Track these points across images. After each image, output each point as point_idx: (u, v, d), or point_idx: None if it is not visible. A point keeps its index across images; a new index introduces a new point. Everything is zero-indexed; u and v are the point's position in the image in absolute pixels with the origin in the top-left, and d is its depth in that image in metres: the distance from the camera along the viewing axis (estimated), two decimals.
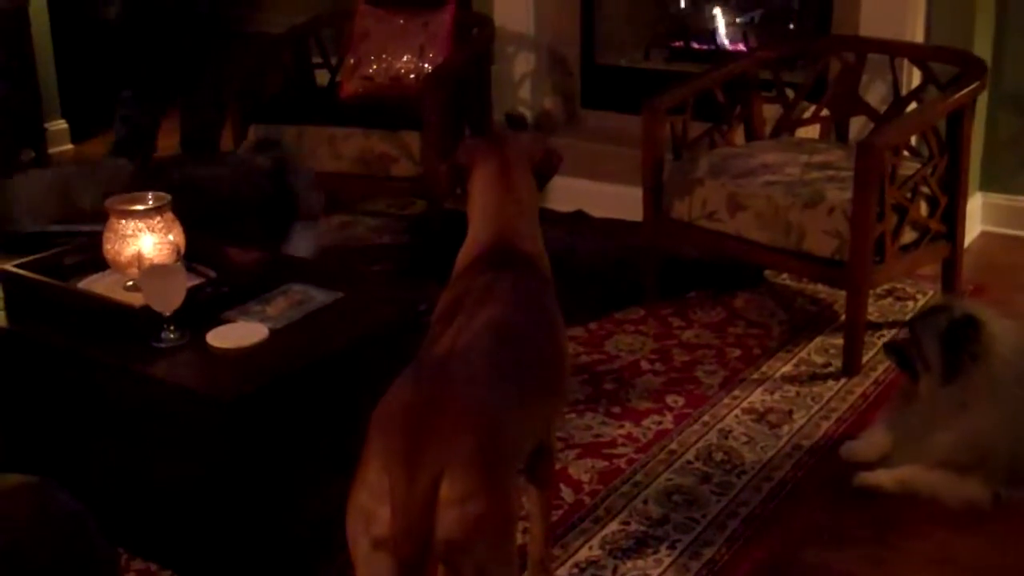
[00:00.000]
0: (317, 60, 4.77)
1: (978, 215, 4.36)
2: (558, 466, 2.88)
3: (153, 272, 2.43)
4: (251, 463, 2.31)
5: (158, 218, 2.63)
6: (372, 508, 1.67)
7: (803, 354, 3.47)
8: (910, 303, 3.78)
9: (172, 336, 2.43)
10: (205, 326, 2.47)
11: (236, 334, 2.45)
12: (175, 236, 2.64)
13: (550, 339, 2.10)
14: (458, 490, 1.65)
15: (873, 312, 3.67)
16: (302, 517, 2.42)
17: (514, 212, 2.23)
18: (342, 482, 2.46)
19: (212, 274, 2.73)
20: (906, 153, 3.57)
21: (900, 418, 2.88)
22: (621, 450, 2.97)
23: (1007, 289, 3.94)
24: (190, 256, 2.70)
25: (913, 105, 3.72)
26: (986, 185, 4.36)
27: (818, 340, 3.55)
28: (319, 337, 2.47)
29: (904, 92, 3.83)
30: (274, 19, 6.99)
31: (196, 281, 2.66)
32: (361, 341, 2.50)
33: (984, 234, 4.38)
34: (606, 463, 2.92)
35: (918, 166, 3.40)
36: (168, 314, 2.42)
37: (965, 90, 3.41)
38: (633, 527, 2.66)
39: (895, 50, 3.82)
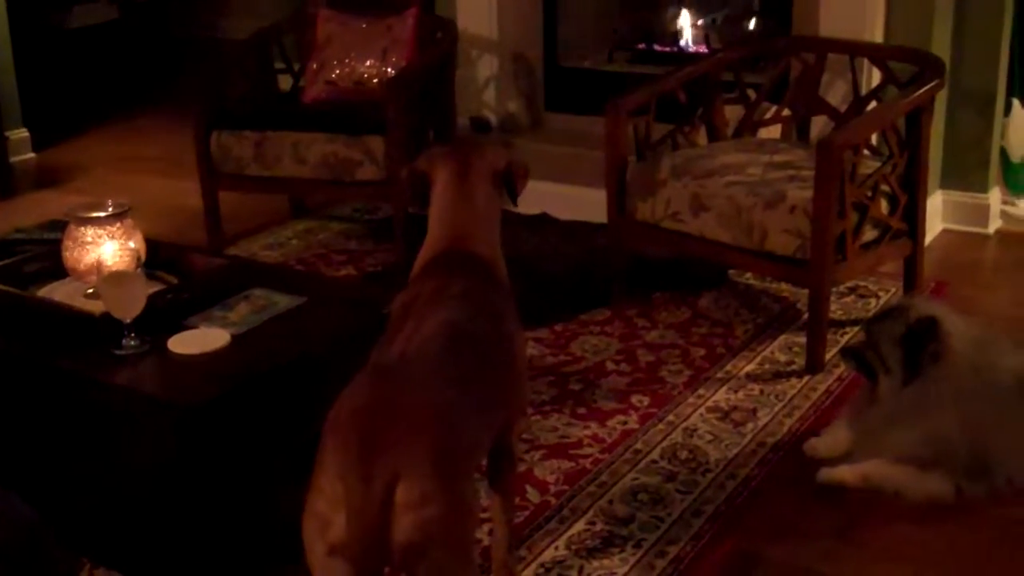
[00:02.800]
0: (280, 66, 4.75)
1: (939, 213, 4.40)
2: (524, 468, 2.89)
3: (113, 279, 2.42)
4: (214, 469, 2.30)
5: (118, 225, 2.62)
6: (327, 514, 1.67)
7: (767, 352, 3.49)
8: (872, 300, 3.82)
9: (133, 343, 2.42)
10: (167, 333, 2.46)
11: (197, 340, 2.44)
12: (135, 243, 2.63)
13: (503, 343, 2.09)
14: (413, 494, 1.63)
15: (836, 310, 3.70)
16: (266, 523, 2.42)
17: (470, 218, 2.23)
18: (306, 487, 2.48)
19: (174, 280, 2.73)
20: (867, 152, 3.59)
21: (862, 415, 2.91)
22: (587, 450, 2.98)
23: (968, 286, 3.98)
24: (151, 263, 2.70)
25: (873, 104, 3.75)
26: (947, 183, 4.40)
27: (781, 338, 3.57)
28: (281, 342, 2.47)
29: (864, 91, 3.86)
30: (236, 25, 7.00)
31: (157, 288, 2.65)
32: (323, 345, 2.50)
33: (945, 231, 4.42)
34: (572, 464, 2.92)
35: (878, 164, 3.43)
36: (128, 321, 2.41)
37: (924, 89, 3.44)
38: (599, 527, 2.67)
39: (855, 50, 3.85)
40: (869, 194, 3.35)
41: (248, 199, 4.69)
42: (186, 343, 2.43)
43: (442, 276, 2.12)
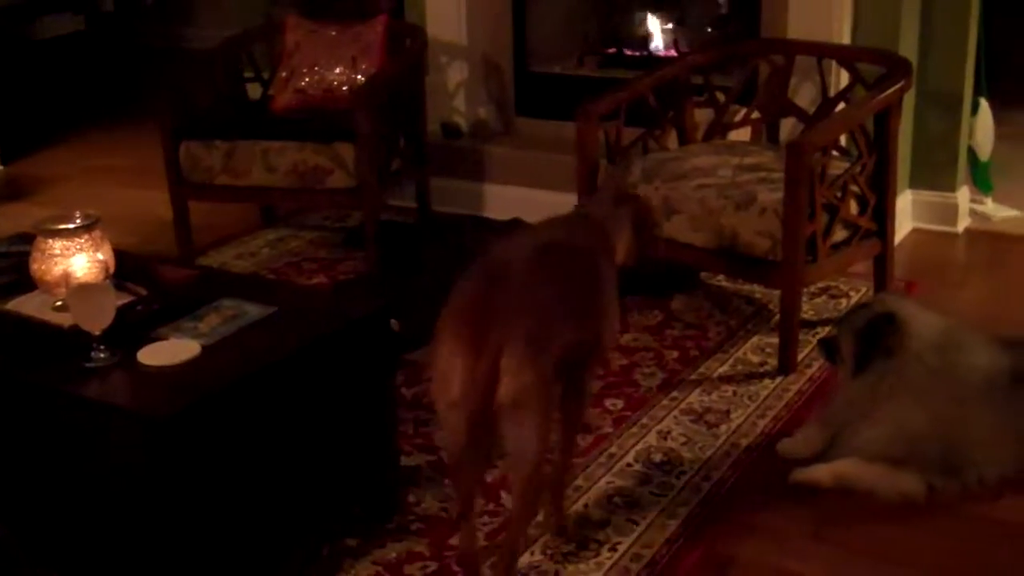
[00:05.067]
0: (249, 74, 4.74)
1: (908, 212, 4.43)
2: (498, 474, 2.89)
3: (81, 291, 2.40)
4: (186, 481, 2.28)
5: (86, 237, 2.59)
6: (448, 380, 2.19)
7: (739, 354, 3.50)
8: (843, 301, 3.83)
9: (102, 356, 2.40)
10: (136, 344, 2.44)
11: (167, 351, 2.42)
12: (104, 255, 2.61)
13: (595, 278, 2.47)
14: (512, 365, 2.14)
15: (808, 310, 3.72)
16: (239, 535, 2.40)
17: (614, 222, 2.64)
18: (279, 498, 2.47)
19: (143, 292, 2.70)
20: (836, 153, 3.62)
21: (833, 414, 2.92)
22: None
23: (938, 284, 4.00)
24: (120, 274, 2.68)
25: (841, 105, 3.77)
26: (916, 183, 4.43)
27: (754, 339, 3.58)
28: (252, 352, 2.45)
29: (832, 93, 3.88)
30: (204, 34, 6.98)
31: (126, 299, 2.63)
32: (294, 355, 2.48)
33: (915, 231, 4.45)
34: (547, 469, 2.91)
35: (847, 165, 3.45)
36: (97, 333, 2.39)
37: (891, 89, 3.46)
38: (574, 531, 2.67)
39: (822, 52, 3.87)
40: (839, 195, 3.36)
41: (218, 208, 4.67)
42: (156, 355, 2.41)
43: (558, 220, 2.60)
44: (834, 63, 3.95)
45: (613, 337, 2.63)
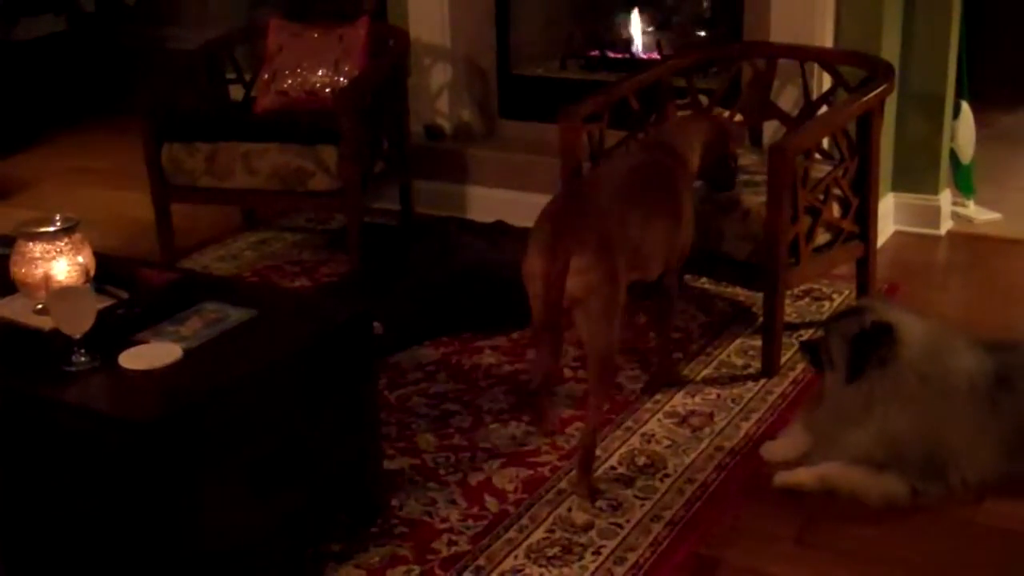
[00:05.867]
0: (231, 76, 4.72)
1: (891, 215, 4.44)
2: (482, 476, 2.89)
3: (62, 294, 2.38)
4: (170, 486, 2.26)
5: (66, 240, 2.58)
6: (533, 273, 2.69)
7: (723, 356, 3.50)
8: (826, 303, 3.84)
9: (83, 359, 2.38)
10: (118, 348, 2.43)
11: (149, 355, 2.41)
12: (84, 258, 2.59)
13: (671, 194, 3.02)
14: (581, 266, 2.63)
15: (791, 313, 3.72)
16: (222, 540, 2.39)
17: (682, 140, 3.18)
18: (262, 502, 2.45)
19: (124, 295, 2.69)
20: (818, 156, 3.62)
21: (817, 417, 2.92)
22: (545, 458, 2.98)
23: (920, 287, 4.01)
24: (101, 278, 2.66)
25: (823, 109, 3.78)
26: (898, 185, 4.44)
27: (738, 342, 3.58)
28: (234, 356, 2.44)
29: (815, 96, 3.89)
30: (187, 35, 6.94)
31: (107, 303, 2.61)
32: (277, 358, 2.47)
33: (897, 233, 4.46)
34: (530, 471, 2.92)
35: (830, 168, 3.45)
36: (78, 337, 2.37)
37: (873, 93, 3.46)
38: (558, 534, 2.66)
39: (805, 55, 3.88)
40: (821, 198, 3.37)
41: (200, 210, 4.65)
42: (138, 358, 2.39)
43: (641, 147, 3.27)
44: (816, 66, 3.96)
45: (687, 244, 3.12)
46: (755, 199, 3.32)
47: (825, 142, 3.72)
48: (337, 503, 2.69)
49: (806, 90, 3.87)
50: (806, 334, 3.59)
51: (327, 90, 4.39)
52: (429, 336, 3.69)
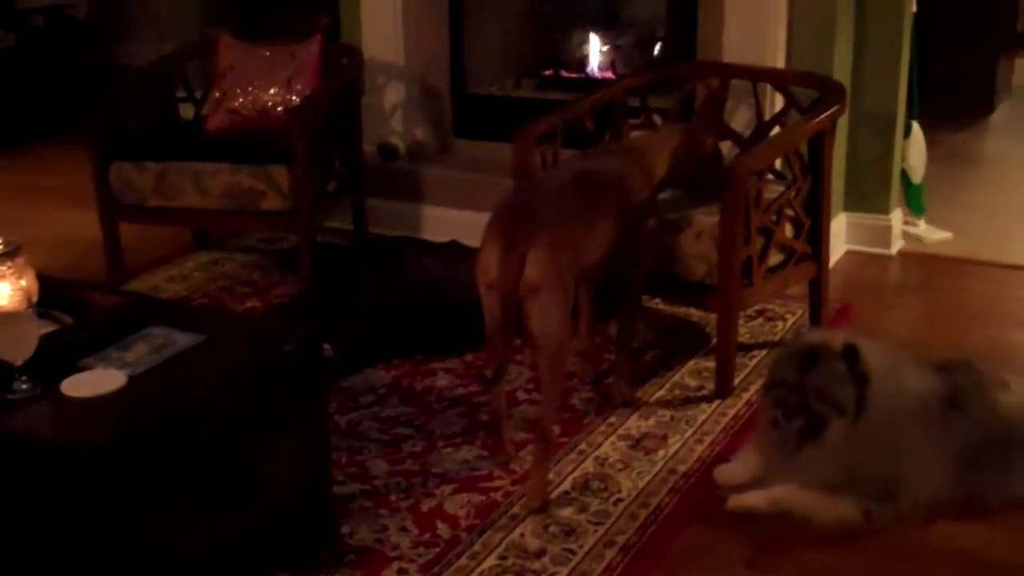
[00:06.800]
0: (182, 94, 4.66)
1: (843, 235, 4.46)
2: (434, 503, 2.86)
3: (2, 320, 2.33)
4: (112, 517, 2.21)
5: (8, 264, 2.51)
6: (487, 267, 2.77)
7: (677, 378, 3.49)
8: (779, 323, 3.84)
9: (24, 387, 2.33)
10: (61, 375, 2.37)
11: (92, 382, 2.35)
12: (27, 282, 2.53)
13: (624, 198, 3.10)
14: (536, 258, 2.72)
15: (744, 334, 3.72)
16: (169, 569, 2.34)
17: (648, 146, 3.33)
18: (209, 531, 2.41)
19: (68, 320, 2.64)
20: (771, 176, 3.63)
21: (769, 440, 2.91)
22: (497, 483, 2.95)
23: (871, 307, 4.03)
24: (46, 302, 2.60)
25: (776, 129, 3.79)
26: (850, 205, 4.47)
27: (691, 363, 3.58)
28: (180, 382, 2.39)
29: (767, 117, 3.90)
30: (143, 51, 6.87)
31: (51, 328, 2.56)
32: (224, 384, 2.43)
33: (849, 253, 4.48)
34: (482, 497, 2.89)
35: (782, 189, 3.46)
36: (19, 364, 2.32)
37: (825, 114, 3.47)
38: (511, 561, 2.63)
39: (757, 75, 3.88)
40: (774, 219, 3.37)
41: (151, 230, 4.57)
42: (80, 386, 2.34)
43: (602, 151, 3.37)
44: (769, 87, 3.97)
45: (646, 253, 3.24)
46: (708, 219, 3.32)
47: (777, 163, 3.74)
48: (286, 530, 2.64)
49: (758, 110, 3.88)
50: (759, 355, 3.60)
51: (279, 108, 4.35)
52: (381, 358, 3.66)
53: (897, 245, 4.52)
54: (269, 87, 4.41)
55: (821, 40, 4.09)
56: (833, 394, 2.74)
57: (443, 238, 4.49)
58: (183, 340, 2.55)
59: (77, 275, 4.37)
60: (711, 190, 3.32)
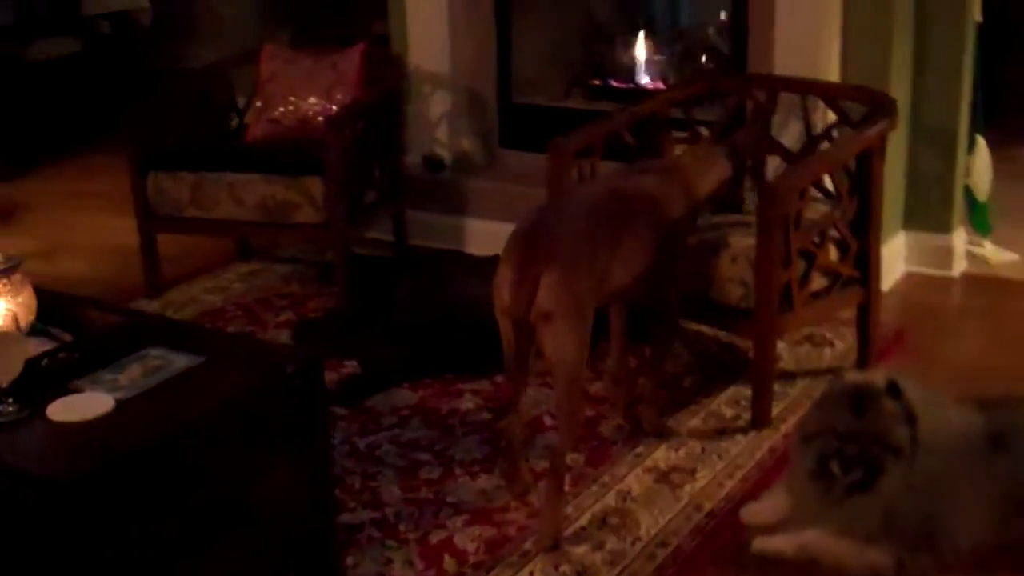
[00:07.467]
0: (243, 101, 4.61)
1: (902, 255, 4.25)
2: (444, 534, 2.74)
3: None
4: (93, 547, 2.13)
5: (4, 281, 2.45)
6: (502, 290, 2.65)
7: (713, 406, 3.33)
8: (827, 350, 3.66)
9: (11, 410, 2.26)
10: (51, 396, 2.30)
11: (79, 406, 2.27)
12: (24, 299, 2.46)
13: (657, 219, 2.93)
14: (549, 282, 2.58)
15: (788, 360, 3.56)
16: None
17: (696, 169, 3.14)
18: (201, 564, 2.31)
19: (67, 337, 2.57)
20: (819, 194, 3.45)
21: (806, 488, 2.71)
22: (512, 515, 2.82)
23: (929, 333, 3.82)
24: (47, 318, 2.54)
25: (825, 145, 3.61)
26: (910, 224, 4.26)
27: (730, 391, 3.41)
28: (170, 408, 2.30)
29: (818, 131, 3.72)
30: (208, 56, 6.86)
31: (47, 346, 2.49)
32: (218, 409, 2.34)
33: (909, 275, 4.27)
34: (495, 530, 2.76)
35: (828, 209, 3.28)
36: (5, 386, 2.25)
37: (873, 130, 3.29)
38: None
39: (806, 88, 3.70)
40: (817, 240, 3.20)
41: (194, 240, 4.54)
42: (67, 410, 2.26)
43: (641, 169, 3.17)
44: (822, 100, 3.78)
45: (678, 277, 3.08)
46: (745, 241, 3.16)
47: (828, 181, 3.55)
48: (285, 562, 2.54)
49: (807, 125, 3.70)
50: (803, 383, 3.42)
51: (320, 118, 4.26)
52: (410, 377, 3.55)
53: (960, 267, 4.29)
54: (309, 96, 4.34)
55: (877, 51, 3.90)
56: (890, 437, 2.55)
57: (487, 252, 4.36)
58: (180, 362, 2.47)
59: (115, 283, 4.37)
60: (733, 206, 3.26)
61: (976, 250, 4.40)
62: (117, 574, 2.17)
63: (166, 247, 4.37)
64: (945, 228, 4.24)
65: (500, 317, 2.71)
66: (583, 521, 2.79)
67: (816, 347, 3.67)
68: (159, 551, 2.25)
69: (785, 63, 3.93)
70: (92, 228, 4.98)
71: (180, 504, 2.27)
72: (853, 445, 2.58)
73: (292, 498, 2.50)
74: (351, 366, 3.61)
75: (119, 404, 2.29)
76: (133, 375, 2.41)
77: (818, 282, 3.25)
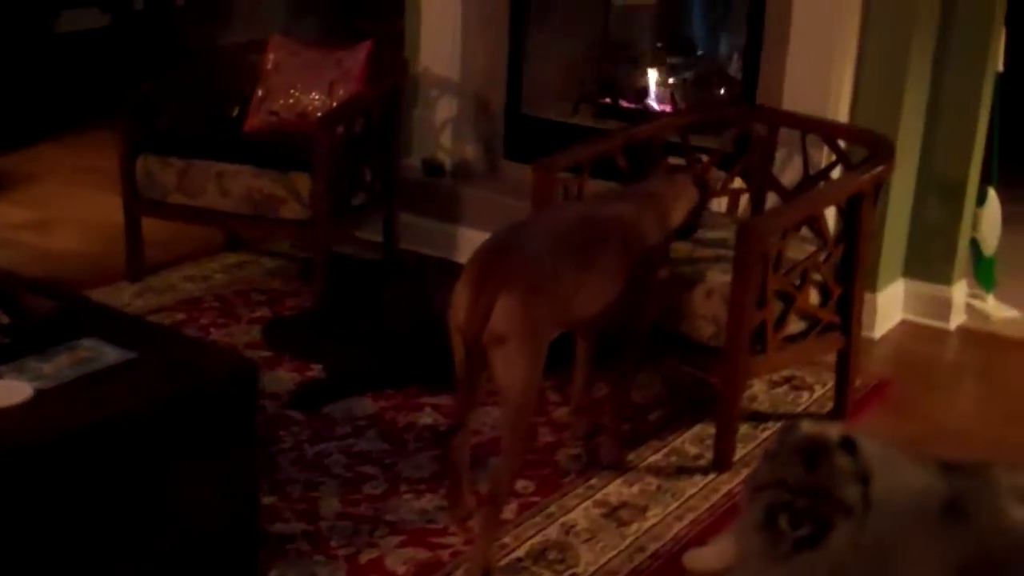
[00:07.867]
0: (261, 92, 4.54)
1: (899, 302, 4.13)
2: (375, 554, 2.66)
3: None
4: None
5: None
6: (458, 309, 2.57)
7: (676, 443, 3.23)
8: (805, 394, 3.55)
9: None
10: None
11: None
12: None
13: (624, 246, 2.84)
14: (505, 306, 2.50)
15: (763, 401, 3.46)
16: None
17: (671, 196, 3.07)
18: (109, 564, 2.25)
19: (5, 320, 2.51)
20: (809, 235, 3.34)
21: (752, 541, 2.61)
22: (449, 539, 2.74)
23: (916, 386, 3.70)
24: None
25: (823, 184, 3.50)
26: (910, 272, 4.13)
27: (697, 428, 3.31)
28: (87, 402, 2.24)
29: (817, 170, 3.61)
30: (238, 35, 6.82)
31: None
32: (137, 408, 2.27)
33: (905, 323, 4.15)
34: (429, 553, 2.68)
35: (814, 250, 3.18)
36: None
37: (865, 175, 3.18)
38: None
39: (806, 125, 3.60)
40: (796, 283, 3.09)
41: (184, 225, 4.48)
42: None
43: (618, 196, 3.10)
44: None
45: (654, 302, 3.01)
46: (721, 277, 3.06)
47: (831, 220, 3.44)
48: (204, 570, 2.47)
49: (805, 163, 3.59)
50: (774, 426, 3.31)
51: (318, 114, 4.20)
52: (374, 387, 3.47)
53: (958, 319, 4.16)
54: (311, 91, 4.28)
55: (889, 95, 3.79)
56: (841, 494, 2.42)
57: None
58: (111, 356, 2.41)
59: (100, 262, 4.34)
60: (686, 233, 3.16)
61: (978, 304, 4.27)
62: (17, 570, 2.11)
63: (157, 231, 4.33)
64: (946, 279, 4.11)
65: (453, 334, 2.63)
66: (520, 552, 2.70)
67: (795, 390, 3.56)
68: (65, 548, 2.19)
69: (794, 97, 3.82)
70: (88, 204, 4.95)
71: (90, 501, 2.21)
72: (804, 499, 2.47)
73: (213, 506, 2.43)
74: (316, 370, 3.54)
75: (38, 393, 2.24)
76: (60, 365, 2.36)
77: (795, 325, 3.15)
